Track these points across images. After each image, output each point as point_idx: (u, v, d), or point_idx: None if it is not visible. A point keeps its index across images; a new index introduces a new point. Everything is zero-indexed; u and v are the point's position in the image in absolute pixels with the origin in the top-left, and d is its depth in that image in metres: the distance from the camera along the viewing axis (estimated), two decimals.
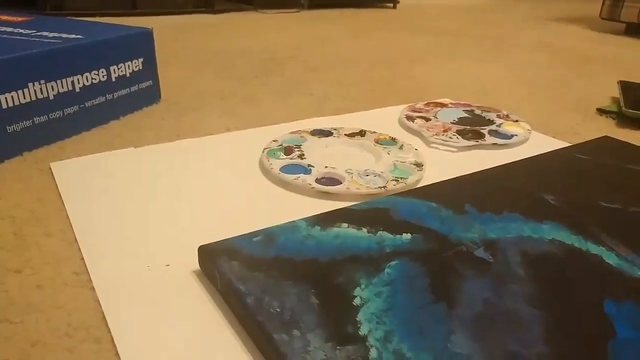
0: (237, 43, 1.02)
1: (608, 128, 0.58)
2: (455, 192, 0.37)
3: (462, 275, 0.27)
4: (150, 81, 0.58)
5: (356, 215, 0.33)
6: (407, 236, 0.31)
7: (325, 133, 0.49)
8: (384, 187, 0.39)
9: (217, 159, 0.44)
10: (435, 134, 0.51)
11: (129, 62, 0.54)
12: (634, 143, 0.53)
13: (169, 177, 0.40)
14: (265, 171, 0.42)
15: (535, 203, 0.36)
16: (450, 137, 0.50)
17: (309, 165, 0.42)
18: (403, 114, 0.57)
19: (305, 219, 0.32)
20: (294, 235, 0.30)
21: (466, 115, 0.57)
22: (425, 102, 0.61)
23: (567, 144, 0.51)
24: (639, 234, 0.32)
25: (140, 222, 0.34)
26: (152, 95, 0.59)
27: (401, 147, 0.47)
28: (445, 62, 0.91)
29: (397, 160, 0.44)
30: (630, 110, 0.57)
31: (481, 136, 0.51)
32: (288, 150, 0.44)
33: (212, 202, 0.37)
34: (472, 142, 0.49)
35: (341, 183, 0.39)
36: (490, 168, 0.41)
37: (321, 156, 0.45)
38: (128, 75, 0.54)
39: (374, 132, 0.50)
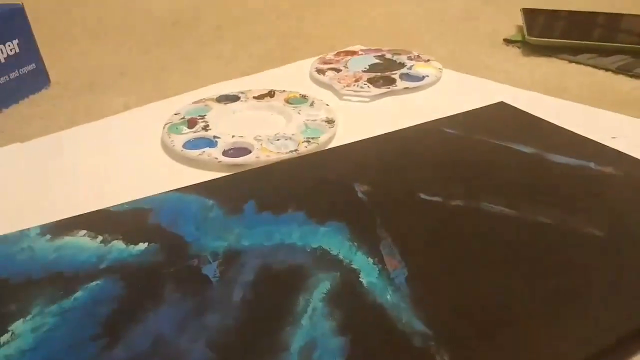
0: (135, 7, 0.95)
1: (515, 57, 0.58)
2: (249, 185, 0.32)
3: (163, 300, 0.23)
4: (33, 64, 0.53)
5: (105, 220, 0.29)
6: (140, 247, 0.27)
7: (232, 98, 0.47)
8: (296, 150, 0.37)
9: (114, 143, 0.41)
10: (347, 85, 0.49)
11: (1, 46, 0.48)
12: (539, 69, 0.54)
13: (58, 173, 0.37)
14: (168, 149, 0.39)
15: (336, 197, 0.31)
16: (362, 87, 0.49)
17: (214, 136, 0.39)
18: (313, 67, 0.54)
19: (44, 226, 0.28)
20: (11, 248, 0.27)
21: (377, 61, 0.56)
22: (336, 52, 0.59)
23: (478, 79, 0.51)
24: (433, 235, 0.27)
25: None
26: (38, 80, 0.54)
27: (312, 104, 0.45)
28: (353, 4, 0.88)
29: (308, 119, 0.42)
30: (533, 38, 0.58)
31: (392, 82, 0.50)
32: (191, 123, 0.41)
33: (110, 195, 0.34)
34: (384, 90, 0.48)
35: (251, 152, 0.37)
36: (323, 150, 0.37)
37: (228, 124, 0.42)
38: (3, 61, 0.48)
39: (284, 90, 0.48)
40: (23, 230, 0.28)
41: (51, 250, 0.27)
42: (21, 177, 0.36)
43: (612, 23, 0.65)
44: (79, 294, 0.24)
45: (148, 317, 0.23)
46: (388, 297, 0.23)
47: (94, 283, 0.24)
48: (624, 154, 0.35)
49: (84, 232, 0.28)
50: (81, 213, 0.30)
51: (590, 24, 0.65)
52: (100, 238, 0.28)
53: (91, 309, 0.23)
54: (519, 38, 0.62)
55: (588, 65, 0.54)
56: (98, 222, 0.29)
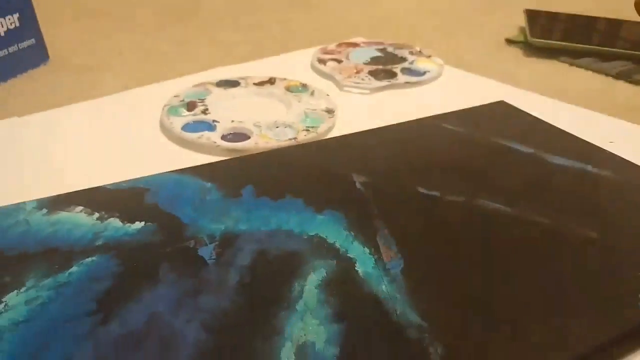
0: None
1: (516, 58, 0.58)
2: (248, 170, 0.32)
3: (157, 280, 0.23)
4: (33, 39, 0.52)
5: (101, 197, 0.29)
6: (137, 225, 0.27)
7: (232, 83, 0.46)
8: (295, 138, 0.37)
9: (112, 122, 0.40)
10: (348, 77, 0.49)
11: (2, 19, 0.48)
12: (540, 70, 0.54)
13: (55, 149, 0.36)
14: (166, 131, 0.38)
15: (334, 186, 0.31)
16: (363, 79, 0.49)
17: (213, 120, 0.39)
18: (314, 57, 0.54)
19: (40, 200, 0.28)
20: (6, 220, 0.27)
21: (379, 54, 0.56)
22: (337, 43, 0.59)
23: (479, 77, 0.51)
24: (430, 229, 0.27)
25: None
26: (37, 56, 0.53)
27: (312, 94, 0.45)
28: None
29: (308, 108, 0.42)
30: (536, 39, 0.58)
31: (393, 75, 0.50)
32: (191, 106, 0.41)
33: (103, 174, 0.34)
34: (385, 83, 0.48)
35: (249, 138, 0.37)
36: (323, 139, 0.36)
37: (228, 109, 0.42)
38: (2, 34, 0.48)
39: (285, 78, 0.48)
40: (19, 203, 0.28)
41: (47, 225, 0.27)
42: (18, 152, 0.36)
43: (612, 28, 0.66)
44: (74, 269, 0.24)
45: (143, 295, 0.23)
46: (383, 287, 0.23)
47: (89, 259, 0.24)
48: (622, 158, 0.35)
49: (80, 208, 0.28)
50: (78, 190, 0.30)
51: (592, 28, 0.66)
52: (96, 215, 0.27)
53: (86, 284, 0.23)
54: (521, 39, 0.62)
55: (589, 69, 0.55)
56: (95, 199, 0.29)
